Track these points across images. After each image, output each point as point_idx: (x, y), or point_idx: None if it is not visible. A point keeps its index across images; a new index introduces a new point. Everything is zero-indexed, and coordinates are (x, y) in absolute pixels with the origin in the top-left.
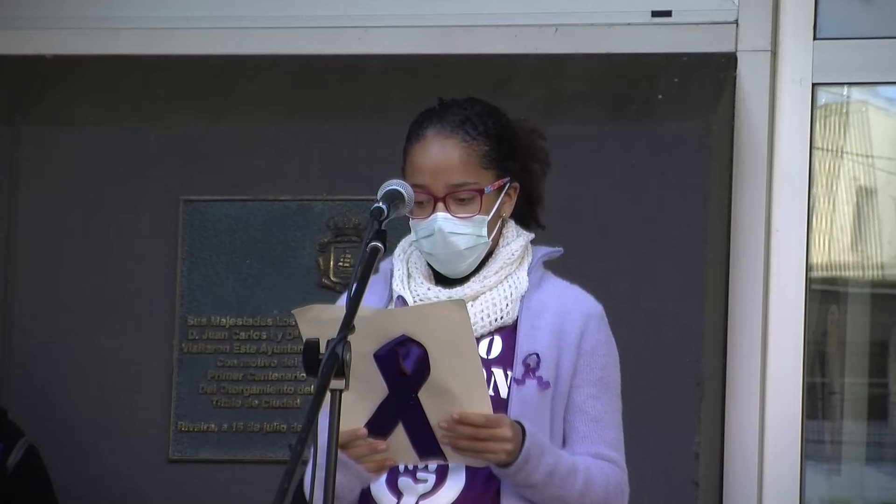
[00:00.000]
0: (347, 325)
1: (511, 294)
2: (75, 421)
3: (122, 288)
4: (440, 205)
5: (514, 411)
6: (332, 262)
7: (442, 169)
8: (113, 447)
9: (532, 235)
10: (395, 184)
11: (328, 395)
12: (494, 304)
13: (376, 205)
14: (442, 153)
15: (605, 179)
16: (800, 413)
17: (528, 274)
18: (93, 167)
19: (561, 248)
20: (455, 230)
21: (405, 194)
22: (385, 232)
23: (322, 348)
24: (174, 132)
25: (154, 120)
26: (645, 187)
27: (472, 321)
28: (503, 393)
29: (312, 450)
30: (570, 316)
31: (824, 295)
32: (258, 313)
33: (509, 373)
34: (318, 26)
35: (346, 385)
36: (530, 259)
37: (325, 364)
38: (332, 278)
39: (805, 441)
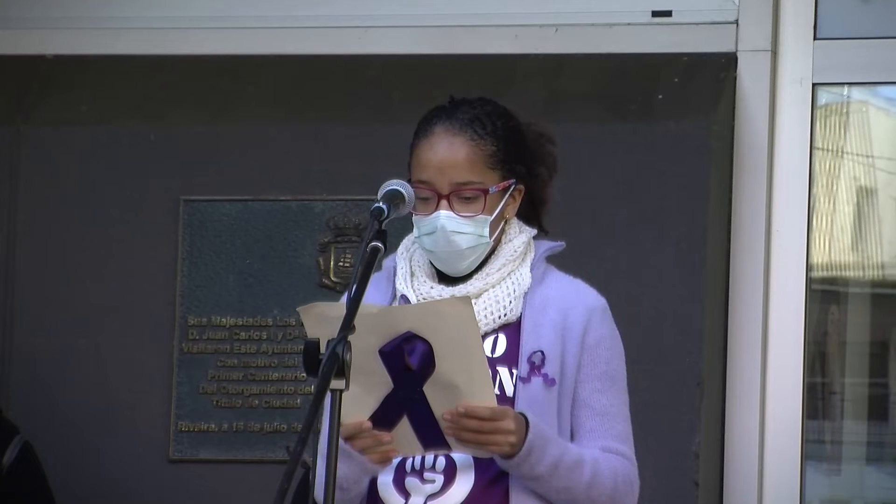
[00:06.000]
0: (348, 325)
1: (514, 291)
2: (75, 421)
3: (122, 288)
4: (444, 202)
5: (520, 409)
6: (332, 262)
7: (448, 166)
8: (113, 447)
9: (534, 231)
10: (395, 184)
11: (328, 395)
12: (498, 302)
13: (376, 205)
14: (449, 150)
15: (605, 179)
16: (800, 413)
17: (531, 270)
18: (93, 167)
19: (563, 243)
20: (457, 229)
21: (405, 194)
22: (385, 232)
23: (322, 348)
24: (174, 132)
25: (154, 120)
26: (645, 187)
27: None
28: (508, 391)
29: (319, 449)
30: (573, 311)
31: (824, 295)
32: (258, 313)
33: (514, 371)
34: (318, 26)
35: (347, 385)
36: (533, 255)
37: (325, 364)
38: (333, 278)
39: (805, 441)
